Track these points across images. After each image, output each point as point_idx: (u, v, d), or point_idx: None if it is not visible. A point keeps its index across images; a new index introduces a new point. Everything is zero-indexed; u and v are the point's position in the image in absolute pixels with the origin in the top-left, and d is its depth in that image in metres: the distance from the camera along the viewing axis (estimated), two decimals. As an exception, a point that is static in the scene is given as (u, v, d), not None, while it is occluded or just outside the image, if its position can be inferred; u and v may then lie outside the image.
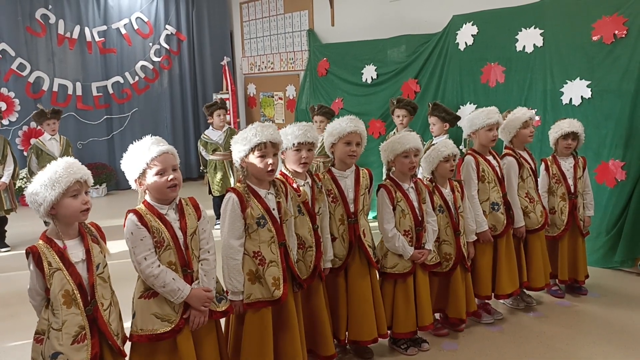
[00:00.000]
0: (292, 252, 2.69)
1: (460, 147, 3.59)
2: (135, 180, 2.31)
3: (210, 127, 6.15)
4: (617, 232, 4.45)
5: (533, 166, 3.80)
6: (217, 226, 5.46)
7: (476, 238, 3.49)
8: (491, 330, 3.48)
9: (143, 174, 2.27)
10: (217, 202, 6.06)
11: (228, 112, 7.96)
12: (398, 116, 5.24)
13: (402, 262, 3.10)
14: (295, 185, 2.78)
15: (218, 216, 6.03)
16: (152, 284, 2.25)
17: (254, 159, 2.53)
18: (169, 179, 2.27)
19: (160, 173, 2.26)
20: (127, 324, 2.34)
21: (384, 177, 3.22)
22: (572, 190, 3.88)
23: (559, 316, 3.66)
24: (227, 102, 8.27)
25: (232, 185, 5.84)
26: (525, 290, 3.80)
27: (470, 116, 3.63)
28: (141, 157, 2.26)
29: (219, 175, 5.97)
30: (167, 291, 2.26)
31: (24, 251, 2.09)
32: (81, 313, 2.08)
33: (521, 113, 3.76)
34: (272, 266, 2.56)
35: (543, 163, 3.95)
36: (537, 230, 3.71)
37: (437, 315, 3.47)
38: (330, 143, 3.00)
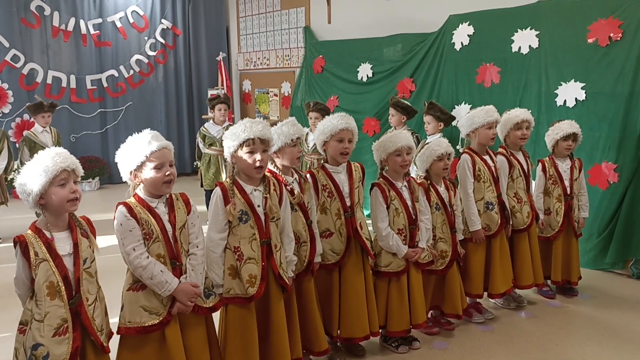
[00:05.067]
0: (284, 253, 2.67)
1: (457, 146, 3.59)
2: (131, 173, 2.30)
3: (212, 121, 6.18)
4: (608, 234, 4.47)
5: (527, 167, 3.81)
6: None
7: (463, 237, 3.51)
8: (482, 330, 3.49)
9: (140, 166, 2.27)
10: (209, 195, 6.07)
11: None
12: (389, 115, 5.29)
13: (396, 260, 3.10)
14: (289, 188, 2.77)
15: None
16: (140, 275, 2.25)
17: (242, 154, 2.52)
18: (166, 174, 2.27)
19: (158, 167, 2.26)
20: (115, 319, 2.32)
21: (378, 176, 3.22)
22: (568, 192, 3.89)
23: (549, 316, 3.68)
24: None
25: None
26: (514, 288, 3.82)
27: (468, 115, 3.63)
28: (140, 149, 2.26)
29: (212, 170, 6.00)
30: (154, 283, 2.25)
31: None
32: (64, 306, 2.07)
33: (515, 114, 3.74)
34: (250, 263, 2.54)
35: (540, 164, 3.95)
36: (522, 230, 3.71)
37: (430, 314, 3.48)
38: (322, 141, 2.99)
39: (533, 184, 3.97)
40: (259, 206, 2.56)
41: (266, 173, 2.69)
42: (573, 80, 4.64)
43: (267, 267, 2.58)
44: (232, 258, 2.55)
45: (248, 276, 2.54)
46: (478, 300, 3.67)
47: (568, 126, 3.85)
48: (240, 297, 2.55)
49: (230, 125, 6.25)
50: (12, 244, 2.07)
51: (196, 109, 9.39)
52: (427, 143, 3.47)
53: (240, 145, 2.51)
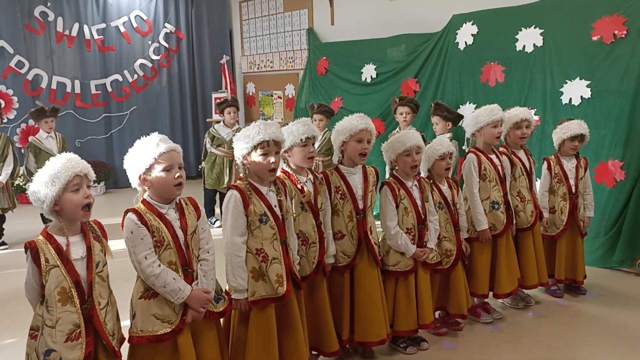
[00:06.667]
0: (292, 252, 2.68)
1: (463, 146, 3.58)
2: (140, 176, 2.27)
3: (222, 124, 6.24)
4: (616, 232, 4.45)
5: (529, 165, 3.79)
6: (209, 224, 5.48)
7: (468, 236, 3.50)
8: (490, 330, 3.48)
9: (149, 169, 2.24)
10: (209, 195, 6.20)
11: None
12: (401, 113, 5.22)
13: (404, 260, 3.09)
14: (299, 186, 2.77)
15: (207, 214, 6.04)
16: (152, 283, 2.22)
17: (256, 157, 2.51)
18: (176, 176, 2.25)
19: (167, 169, 2.24)
20: (124, 324, 2.31)
21: (387, 176, 3.22)
22: (573, 191, 3.87)
23: (557, 316, 3.67)
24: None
25: (225, 184, 5.89)
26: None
27: (473, 114, 3.62)
28: (149, 152, 2.24)
29: (216, 171, 6.08)
30: (167, 291, 2.23)
31: (23, 247, 2.07)
32: (77, 311, 2.06)
33: (514, 114, 3.72)
34: (275, 263, 2.55)
35: (545, 162, 3.94)
36: (526, 229, 3.70)
37: (437, 314, 3.46)
38: (341, 141, 2.98)
39: (537, 182, 3.95)
40: (275, 206, 2.57)
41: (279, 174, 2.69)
42: (578, 78, 4.63)
43: (288, 266, 2.59)
44: (255, 260, 2.54)
45: (276, 276, 2.54)
46: (486, 300, 3.65)
47: (577, 127, 3.82)
48: (267, 298, 2.54)
49: (240, 128, 6.31)
50: (21, 249, 2.07)
51: (200, 113, 9.40)
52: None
53: (254, 148, 2.50)
